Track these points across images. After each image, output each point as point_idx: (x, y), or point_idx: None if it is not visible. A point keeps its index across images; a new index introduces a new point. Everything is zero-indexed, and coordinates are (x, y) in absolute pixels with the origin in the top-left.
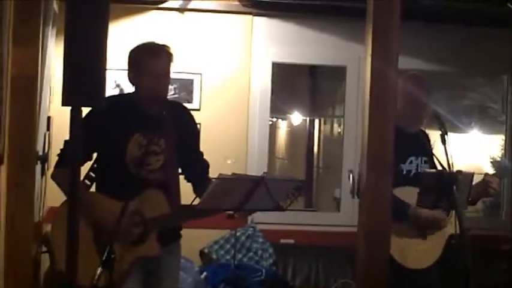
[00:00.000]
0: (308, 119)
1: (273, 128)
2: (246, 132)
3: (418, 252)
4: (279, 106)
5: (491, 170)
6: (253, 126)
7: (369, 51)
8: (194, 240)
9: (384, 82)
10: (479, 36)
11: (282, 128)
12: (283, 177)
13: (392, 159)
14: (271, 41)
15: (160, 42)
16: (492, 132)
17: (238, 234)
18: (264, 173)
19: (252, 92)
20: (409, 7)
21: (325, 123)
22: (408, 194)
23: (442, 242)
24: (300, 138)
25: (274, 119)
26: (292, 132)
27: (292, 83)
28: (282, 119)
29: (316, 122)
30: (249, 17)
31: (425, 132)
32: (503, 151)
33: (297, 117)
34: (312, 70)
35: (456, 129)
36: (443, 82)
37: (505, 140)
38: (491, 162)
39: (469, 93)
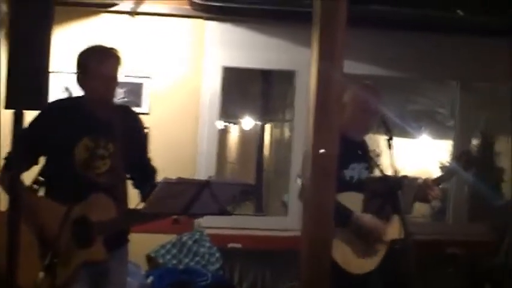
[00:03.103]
0: (259, 123)
1: (225, 133)
2: (195, 136)
3: (359, 257)
4: (230, 110)
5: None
6: (202, 130)
7: (315, 57)
8: (141, 244)
9: (329, 87)
10: (429, 42)
11: (234, 132)
12: (229, 181)
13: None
14: (223, 45)
15: (110, 46)
16: (441, 137)
17: (185, 238)
18: (210, 176)
19: (202, 96)
20: (358, 13)
21: (276, 128)
22: (351, 200)
23: (384, 247)
24: (251, 143)
25: (226, 124)
26: (244, 136)
27: (244, 88)
28: (234, 124)
29: (268, 126)
30: (201, 21)
31: (365, 139)
32: (451, 156)
33: (248, 122)
34: (264, 74)
35: (406, 135)
36: (392, 87)
37: (453, 145)
38: (440, 167)
39: (418, 98)
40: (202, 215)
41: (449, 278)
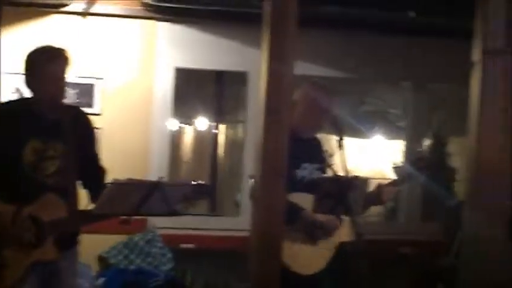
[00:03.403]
0: (213, 124)
1: (179, 133)
2: (147, 137)
3: (307, 258)
4: (185, 111)
5: (393, 176)
6: (155, 131)
7: (265, 57)
8: (92, 245)
9: (279, 88)
10: (381, 43)
11: (188, 133)
12: (180, 182)
13: (287, 165)
14: (175, 46)
15: (61, 46)
16: (393, 138)
17: (137, 239)
18: (160, 177)
19: (154, 97)
20: (312, 14)
21: (230, 128)
22: (302, 200)
23: (332, 248)
24: (206, 143)
25: (181, 124)
26: (198, 137)
27: (198, 88)
28: (189, 124)
29: (222, 127)
30: (153, 22)
31: (318, 139)
32: (405, 158)
33: (202, 122)
34: (218, 75)
35: (359, 135)
36: (346, 88)
37: (406, 146)
38: (394, 167)
39: (371, 99)
40: (152, 215)
41: (401, 278)
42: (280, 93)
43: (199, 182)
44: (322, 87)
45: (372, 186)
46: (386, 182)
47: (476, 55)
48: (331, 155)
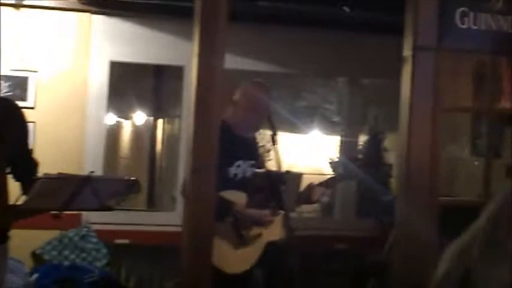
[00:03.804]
0: (151, 118)
1: (117, 128)
2: (82, 131)
3: (236, 257)
4: (123, 106)
5: (330, 170)
6: (90, 125)
7: (196, 52)
8: (26, 241)
9: (209, 83)
10: (317, 38)
11: (127, 127)
12: (111, 177)
13: (218, 162)
14: (110, 39)
15: None
16: (329, 133)
17: (71, 234)
18: (91, 172)
19: (89, 91)
20: (248, 9)
21: (168, 123)
22: (235, 197)
23: (261, 246)
24: (144, 138)
25: (119, 119)
26: (136, 132)
27: (137, 83)
28: (126, 119)
29: (160, 121)
30: (87, 15)
31: (255, 137)
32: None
33: (140, 117)
34: (156, 69)
35: (295, 130)
36: (282, 83)
37: (341, 141)
38: (330, 162)
39: (307, 95)
40: (83, 210)
41: (335, 274)
42: (210, 87)
43: (131, 177)
44: (262, 87)
45: (305, 182)
46: (317, 182)
47: (406, 51)
48: (268, 150)
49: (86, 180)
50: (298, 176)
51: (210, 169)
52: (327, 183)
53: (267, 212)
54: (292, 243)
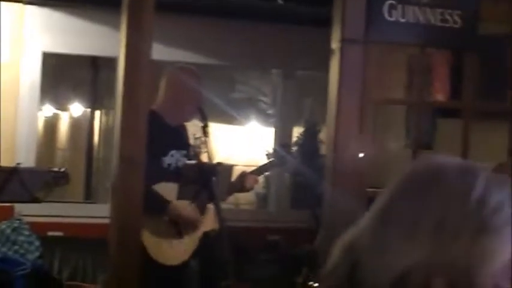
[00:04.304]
0: (89, 110)
1: (55, 119)
2: (15, 123)
3: (173, 249)
4: (60, 97)
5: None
6: (22, 116)
7: (123, 43)
8: None
9: (137, 74)
10: (251, 30)
11: (64, 119)
12: (40, 168)
13: (151, 152)
14: (43, 30)
15: None
16: (265, 125)
17: (3, 227)
18: (18, 163)
19: (22, 82)
20: (179, 1)
21: (105, 115)
22: (168, 190)
23: (197, 237)
24: (81, 130)
25: (56, 111)
26: (74, 123)
27: (73, 74)
28: (64, 110)
29: (97, 113)
30: (20, 5)
31: (185, 126)
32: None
33: (77, 109)
34: (93, 61)
35: (231, 122)
36: (216, 75)
37: (275, 133)
38: (266, 154)
39: (241, 87)
40: (12, 202)
41: (269, 265)
42: (137, 78)
43: (60, 168)
44: (192, 73)
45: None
46: (250, 169)
47: (334, 43)
48: (204, 142)
49: (12, 172)
50: (229, 168)
51: (137, 160)
52: (258, 171)
53: (196, 211)
54: (224, 234)
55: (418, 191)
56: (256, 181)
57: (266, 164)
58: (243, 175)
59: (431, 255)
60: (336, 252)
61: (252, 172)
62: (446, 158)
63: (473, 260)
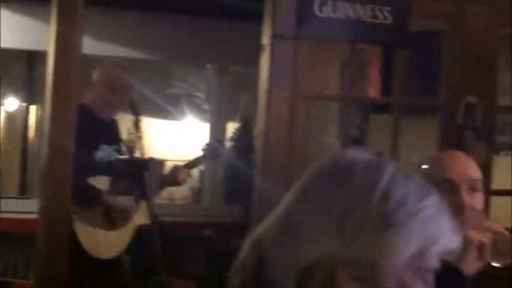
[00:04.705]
0: (25, 104)
1: None
2: None
3: (107, 241)
4: None
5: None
6: None
7: (53, 36)
8: None
9: (67, 68)
10: (184, 25)
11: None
12: None
13: (83, 147)
14: None
15: None
16: (200, 120)
17: None
18: None
19: None
20: None
21: (42, 110)
22: (99, 183)
23: (131, 229)
24: (16, 125)
25: None
26: (9, 118)
27: (8, 68)
28: None
29: (33, 108)
30: None
31: (116, 120)
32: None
33: (13, 103)
34: (29, 55)
35: (165, 117)
36: (151, 70)
37: (210, 128)
38: (202, 149)
39: (176, 82)
40: None
41: (202, 260)
42: (67, 71)
43: None
44: (120, 66)
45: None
46: (182, 163)
47: (265, 39)
48: (140, 137)
49: None
50: (161, 163)
51: (67, 152)
52: (189, 164)
53: (129, 200)
54: (155, 229)
55: (325, 186)
56: (188, 175)
57: (197, 157)
58: (175, 169)
59: (335, 249)
60: (245, 247)
61: (184, 166)
62: (357, 153)
63: (376, 255)
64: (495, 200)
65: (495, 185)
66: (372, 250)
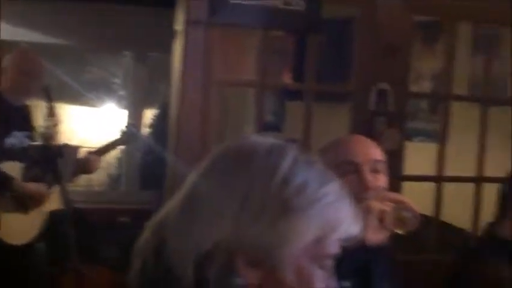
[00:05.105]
0: None
1: None
2: None
3: (19, 227)
4: None
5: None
6: None
7: None
8: None
9: None
10: (101, 12)
11: None
12: None
13: None
14: None
15: None
16: (119, 107)
17: None
18: None
19: None
20: None
21: None
22: (11, 169)
23: (43, 214)
24: None
25: None
26: None
27: None
28: None
29: None
30: None
31: (29, 106)
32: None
33: None
34: None
35: (82, 103)
36: (67, 56)
37: (128, 115)
38: (121, 133)
39: (93, 68)
40: None
41: (118, 246)
42: None
43: None
44: (31, 52)
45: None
46: (94, 150)
47: (178, 25)
48: (55, 124)
49: None
50: (75, 149)
51: None
52: (101, 150)
53: (42, 187)
54: (69, 215)
55: (226, 170)
56: (99, 161)
57: (109, 143)
58: (87, 155)
59: (234, 233)
60: (145, 232)
61: (95, 152)
62: (260, 138)
63: (274, 240)
64: (407, 185)
65: (407, 171)
66: (270, 236)
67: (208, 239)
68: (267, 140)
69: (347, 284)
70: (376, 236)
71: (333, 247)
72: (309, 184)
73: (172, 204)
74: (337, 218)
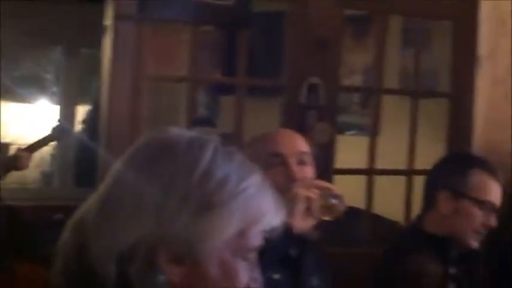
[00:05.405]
0: None
1: None
2: None
3: None
4: None
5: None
6: None
7: None
8: None
9: None
10: (33, 6)
11: None
12: None
13: None
14: None
15: None
16: (51, 103)
17: None
18: None
19: None
20: None
21: None
22: None
23: None
24: None
25: None
26: None
27: None
28: None
29: None
30: None
31: None
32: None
33: None
34: None
35: (15, 100)
36: None
37: (60, 111)
38: (52, 130)
39: (23, 64)
40: None
41: (54, 244)
42: None
43: None
44: None
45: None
46: (25, 147)
47: (107, 20)
48: None
49: None
50: (5, 146)
51: None
52: (31, 147)
53: None
54: (1, 213)
55: (145, 165)
56: (29, 158)
57: (39, 140)
58: (17, 152)
59: (155, 230)
60: (66, 230)
61: (25, 149)
62: (179, 131)
63: (197, 235)
64: (338, 178)
65: (340, 164)
66: (191, 231)
67: (130, 233)
68: (187, 132)
69: (277, 276)
70: (304, 224)
71: (256, 239)
72: (230, 178)
73: (92, 199)
74: (259, 210)
